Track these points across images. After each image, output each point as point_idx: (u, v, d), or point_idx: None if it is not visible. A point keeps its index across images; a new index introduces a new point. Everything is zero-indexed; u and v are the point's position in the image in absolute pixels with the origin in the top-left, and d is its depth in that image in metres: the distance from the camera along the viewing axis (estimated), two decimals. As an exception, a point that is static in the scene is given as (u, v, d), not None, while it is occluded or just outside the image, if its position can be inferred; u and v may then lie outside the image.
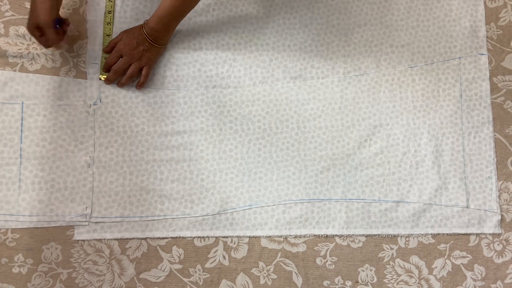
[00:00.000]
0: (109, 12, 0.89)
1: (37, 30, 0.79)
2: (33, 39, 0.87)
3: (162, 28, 0.84)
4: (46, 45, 0.83)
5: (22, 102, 0.85)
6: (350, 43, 0.95)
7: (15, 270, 0.82)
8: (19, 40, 0.87)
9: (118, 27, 0.90)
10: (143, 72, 0.87)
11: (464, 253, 0.91)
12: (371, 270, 0.89)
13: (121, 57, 0.86)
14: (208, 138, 0.90)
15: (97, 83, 0.88)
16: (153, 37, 0.85)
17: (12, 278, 0.82)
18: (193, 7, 0.84)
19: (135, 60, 0.86)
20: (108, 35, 0.89)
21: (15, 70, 0.86)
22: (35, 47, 0.87)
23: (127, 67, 0.86)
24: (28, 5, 0.88)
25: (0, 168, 0.83)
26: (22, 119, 0.85)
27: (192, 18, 0.92)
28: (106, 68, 0.87)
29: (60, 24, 0.81)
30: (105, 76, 0.87)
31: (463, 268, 0.90)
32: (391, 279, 0.89)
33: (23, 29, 0.88)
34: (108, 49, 0.88)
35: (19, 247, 0.83)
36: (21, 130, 0.85)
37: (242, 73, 0.92)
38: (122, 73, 0.87)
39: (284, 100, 0.92)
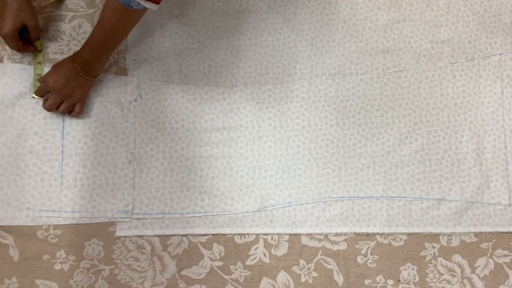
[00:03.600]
0: (38, 39, 0.86)
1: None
2: (73, 35, 0.88)
3: (96, 59, 0.80)
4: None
5: (64, 99, 0.86)
6: (389, 39, 0.94)
7: (57, 266, 0.82)
8: (59, 36, 0.87)
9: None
10: (76, 109, 0.83)
11: (507, 252, 0.89)
12: (413, 269, 0.88)
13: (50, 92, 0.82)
14: (247, 135, 0.89)
15: (137, 79, 0.88)
16: (86, 69, 0.80)
17: (54, 274, 0.82)
18: (128, 33, 0.80)
19: (67, 98, 0.81)
20: (39, 62, 0.85)
21: (56, 67, 0.86)
22: (76, 44, 0.87)
23: (59, 104, 0.82)
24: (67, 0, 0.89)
25: (42, 164, 0.84)
26: (63, 116, 0.85)
27: (230, 14, 0.92)
28: (38, 95, 0.84)
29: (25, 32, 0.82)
30: (36, 96, 0.84)
31: (505, 267, 0.89)
32: (433, 278, 0.88)
33: (63, 25, 0.88)
34: (40, 81, 0.82)
35: (61, 243, 0.83)
36: (63, 127, 0.85)
37: (281, 70, 0.92)
38: (56, 109, 0.83)
39: (323, 97, 0.92)
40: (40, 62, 0.86)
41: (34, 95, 0.84)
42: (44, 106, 0.83)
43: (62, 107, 0.82)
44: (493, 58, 0.95)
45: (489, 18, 0.96)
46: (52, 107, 0.82)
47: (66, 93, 0.81)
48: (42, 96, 0.84)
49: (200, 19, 0.91)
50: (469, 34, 0.95)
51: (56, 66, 0.82)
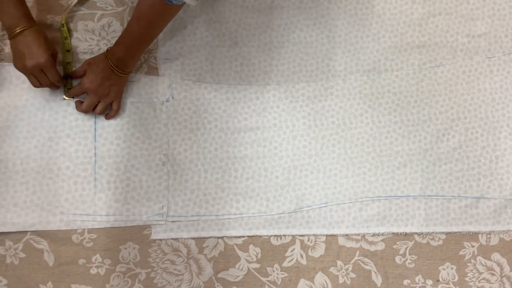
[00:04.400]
0: (66, 38, 0.84)
1: (38, 70, 0.75)
2: (102, 34, 0.86)
3: (130, 56, 0.78)
4: (45, 85, 0.79)
5: (95, 100, 0.84)
6: (424, 34, 0.91)
7: (93, 271, 0.81)
8: (88, 35, 0.85)
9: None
10: (114, 107, 0.82)
11: (546, 250, 0.88)
12: (452, 269, 0.86)
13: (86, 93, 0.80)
14: (281, 134, 0.87)
15: (168, 79, 0.86)
16: (120, 67, 0.78)
17: (90, 279, 0.81)
18: (163, 29, 0.78)
19: (103, 97, 0.80)
20: (69, 63, 0.83)
21: (86, 67, 0.84)
22: (105, 43, 0.85)
23: (96, 104, 0.81)
24: (95, -1, 0.86)
25: (75, 167, 0.82)
26: (95, 117, 0.83)
27: (262, 11, 0.89)
28: (71, 96, 0.82)
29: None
30: (67, 97, 0.82)
31: (545, 266, 0.88)
32: (473, 277, 0.86)
33: (92, 24, 0.85)
34: (75, 77, 0.82)
35: (96, 247, 0.81)
36: (95, 129, 0.83)
37: (314, 67, 0.89)
38: (93, 109, 0.81)
39: (358, 94, 0.89)
40: (70, 63, 0.84)
41: (65, 96, 0.83)
42: (80, 108, 0.81)
43: (99, 107, 0.81)
44: (531, 51, 0.93)
45: (526, 10, 0.94)
46: (89, 108, 0.81)
47: (102, 93, 0.79)
48: (73, 97, 0.82)
49: (231, 16, 0.88)
50: (506, 28, 0.93)
51: (89, 64, 0.80)
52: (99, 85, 0.78)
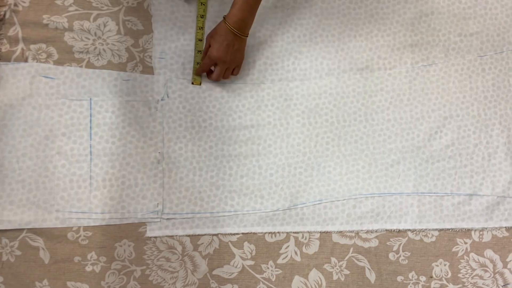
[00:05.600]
0: (202, 16, 0.88)
1: None
2: (98, 34, 0.86)
3: (250, 13, 0.81)
4: None
5: (90, 99, 0.84)
6: (417, 33, 0.92)
7: (89, 268, 0.81)
8: (84, 35, 0.86)
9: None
10: (235, 72, 0.87)
11: (539, 247, 0.89)
12: (445, 265, 0.87)
13: (215, 63, 0.84)
14: (276, 132, 0.88)
15: (163, 78, 0.87)
16: (241, 29, 0.81)
17: (86, 276, 0.81)
18: None
19: (230, 63, 0.84)
20: (200, 40, 0.88)
21: (81, 66, 0.85)
22: (101, 43, 0.86)
23: (223, 73, 0.85)
24: (91, -1, 0.87)
25: (70, 165, 0.83)
26: (90, 116, 0.84)
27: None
28: (199, 74, 0.87)
29: None
30: (197, 81, 0.87)
31: (537, 262, 0.88)
32: (466, 274, 0.87)
33: (87, 24, 0.86)
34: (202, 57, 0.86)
35: (91, 245, 0.82)
36: (90, 127, 0.84)
37: (308, 66, 0.90)
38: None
39: (351, 92, 0.90)
40: (200, 51, 0.88)
41: (195, 77, 0.87)
42: (211, 77, 0.86)
43: (226, 74, 0.86)
44: (522, 50, 0.94)
45: (517, 9, 0.95)
46: (219, 77, 0.85)
47: (229, 60, 0.83)
48: (199, 83, 0.87)
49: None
50: (498, 27, 0.94)
51: (212, 36, 0.83)
52: (226, 52, 0.82)
